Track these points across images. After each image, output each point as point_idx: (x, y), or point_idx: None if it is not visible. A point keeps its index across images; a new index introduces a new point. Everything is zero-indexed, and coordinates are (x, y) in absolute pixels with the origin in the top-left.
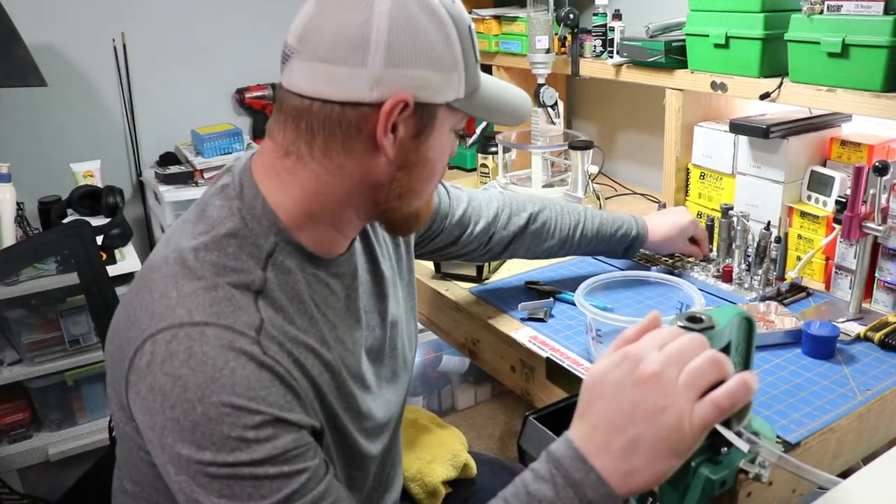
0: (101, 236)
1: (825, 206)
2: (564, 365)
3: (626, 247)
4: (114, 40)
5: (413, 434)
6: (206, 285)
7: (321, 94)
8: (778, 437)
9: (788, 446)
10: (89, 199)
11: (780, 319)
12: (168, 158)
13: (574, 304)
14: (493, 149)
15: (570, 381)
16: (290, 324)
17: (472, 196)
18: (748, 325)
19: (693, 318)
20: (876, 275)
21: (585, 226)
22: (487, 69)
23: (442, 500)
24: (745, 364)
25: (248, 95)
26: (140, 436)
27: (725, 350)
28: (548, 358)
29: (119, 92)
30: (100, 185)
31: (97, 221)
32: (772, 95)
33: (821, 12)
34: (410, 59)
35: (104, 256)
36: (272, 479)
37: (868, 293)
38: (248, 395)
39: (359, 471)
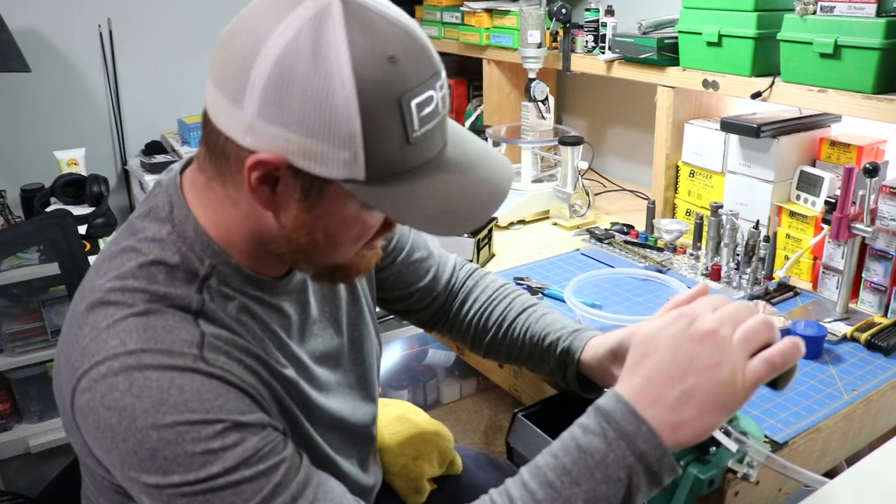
0: (85, 225)
1: (814, 206)
2: None
3: (559, 358)
4: (99, 26)
5: (399, 429)
6: (136, 311)
7: (213, 116)
8: (766, 436)
9: (776, 446)
10: (73, 187)
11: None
12: (154, 147)
13: (562, 301)
14: None
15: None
16: (237, 337)
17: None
18: None
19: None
20: (863, 275)
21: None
22: (477, 62)
23: (427, 496)
24: None
25: None
26: (103, 467)
27: None
28: None
29: (104, 79)
30: (84, 173)
31: (81, 210)
32: (763, 95)
33: (814, 13)
34: (287, 119)
35: (88, 246)
36: (251, 480)
37: (855, 293)
38: (203, 407)
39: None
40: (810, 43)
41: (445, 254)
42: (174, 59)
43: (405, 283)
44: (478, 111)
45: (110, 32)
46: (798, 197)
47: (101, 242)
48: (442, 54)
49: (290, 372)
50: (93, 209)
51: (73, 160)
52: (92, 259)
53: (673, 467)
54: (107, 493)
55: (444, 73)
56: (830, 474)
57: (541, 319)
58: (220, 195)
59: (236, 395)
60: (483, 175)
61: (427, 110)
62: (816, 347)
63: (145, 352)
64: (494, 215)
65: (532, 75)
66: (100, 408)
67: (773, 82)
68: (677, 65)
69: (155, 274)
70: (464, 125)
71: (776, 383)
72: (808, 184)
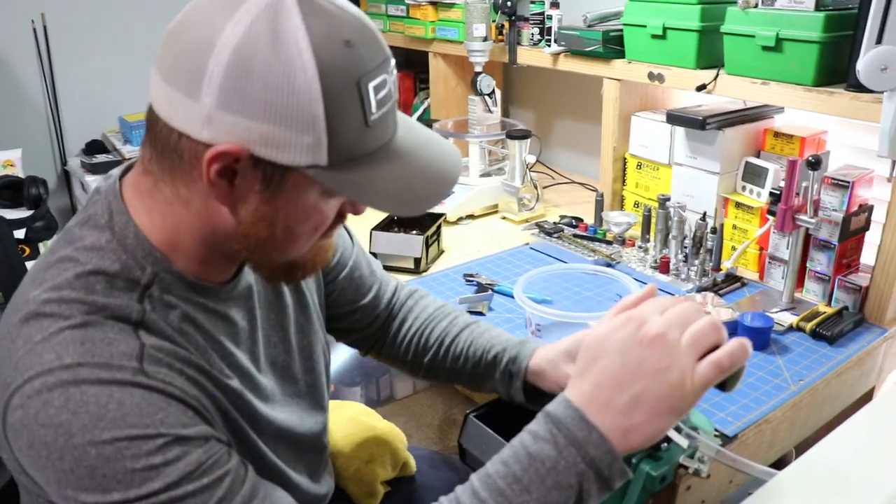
0: (24, 230)
1: (759, 197)
2: None
3: (506, 365)
4: (33, 21)
5: (351, 431)
6: (73, 324)
7: (163, 115)
8: (716, 430)
9: (726, 439)
10: (10, 190)
11: (717, 311)
12: (95, 146)
13: (513, 297)
14: None
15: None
16: (179, 348)
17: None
18: None
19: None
20: (807, 265)
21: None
22: (424, 56)
23: (381, 499)
24: None
25: None
26: (38, 486)
27: None
28: None
29: (40, 76)
30: (21, 175)
31: (19, 214)
32: (708, 87)
33: (756, 6)
34: (248, 107)
35: (27, 251)
36: (194, 495)
37: (800, 283)
38: (143, 422)
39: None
40: (753, 36)
41: (388, 276)
42: (114, 55)
43: (347, 299)
44: (425, 104)
45: (45, 28)
46: (744, 188)
47: (41, 246)
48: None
49: (234, 383)
50: (31, 212)
51: (8, 161)
52: (31, 265)
53: (623, 472)
54: None
55: (392, 60)
56: (779, 463)
57: (485, 333)
58: (168, 197)
59: (178, 408)
60: (435, 157)
61: (382, 93)
62: (764, 338)
63: (82, 366)
64: (443, 211)
65: (478, 69)
66: (33, 425)
67: (717, 75)
68: (623, 57)
69: (93, 284)
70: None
71: (725, 385)
72: (754, 175)
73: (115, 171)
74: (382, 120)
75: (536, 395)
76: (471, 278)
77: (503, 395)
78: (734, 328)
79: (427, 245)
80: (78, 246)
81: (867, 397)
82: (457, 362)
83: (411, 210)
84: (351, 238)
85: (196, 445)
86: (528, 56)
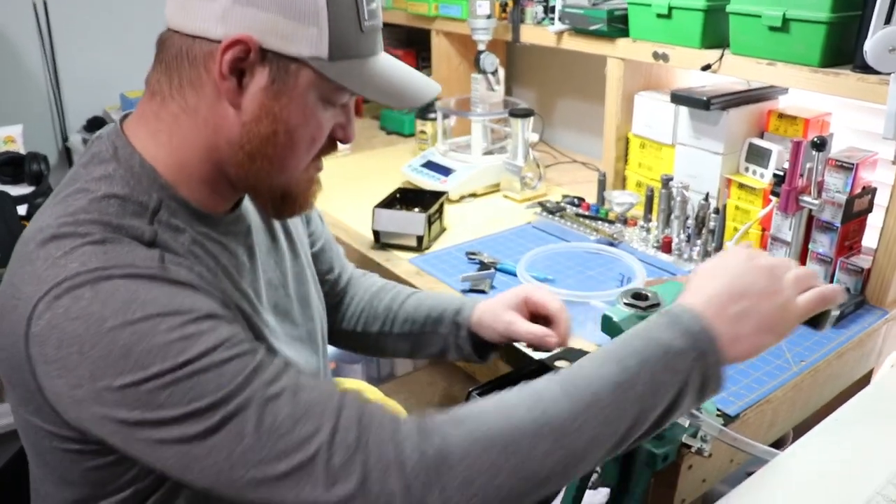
0: (26, 206)
1: (762, 178)
2: None
3: (453, 318)
4: None
5: None
6: (93, 240)
7: (177, 24)
8: (718, 409)
9: (728, 419)
10: (11, 166)
11: None
12: (96, 123)
13: (514, 275)
14: (433, 115)
15: (508, 353)
16: (190, 272)
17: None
18: None
19: (638, 296)
20: (809, 247)
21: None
22: (425, 33)
23: None
24: None
25: None
26: (56, 413)
27: None
28: None
29: (41, 52)
30: (22, 151)
31: (20, 190)
32: (713, 67)
33: None
34: None
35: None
36: (231, 360)
37: (801, 264)
38: (173, 305)
39: None
40: (759, 16)
41: (346, 260)
42: (116, 31)
43: (319, 270)
44: (420, 101)
45: (45, 4)
46: (747, 169)
47: None
48: (389, 25)
49: (245, 306)
50: (33, 189)
51: (9, 137)
52: None
53: (721, 379)
54: (59, 467)
55: None
56: (778, 443)
57: (431, 296)
58: (174, 112)
59: (202, 298)
60: (414, 74)
61: (373, 6)
62: None
63: (107, 268)
64: (445, 189)
65: (482, 47)
66: (63, 322)
67: (722, 55)
68: (627, 36)
69: (107, 207)
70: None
71: (818, 323)
72: (757, 156)
73: (114, 119)
74: (373, 32)
75: (481, 349)
76: (473, 256)
77: (451, 351)
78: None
79: (430, 223)
80: (86, 179)
81: (866, 378)
82: (405, 325)
83: (403, 103)
84: (321, 220)
85: (226, 322)
86: (532, 34)
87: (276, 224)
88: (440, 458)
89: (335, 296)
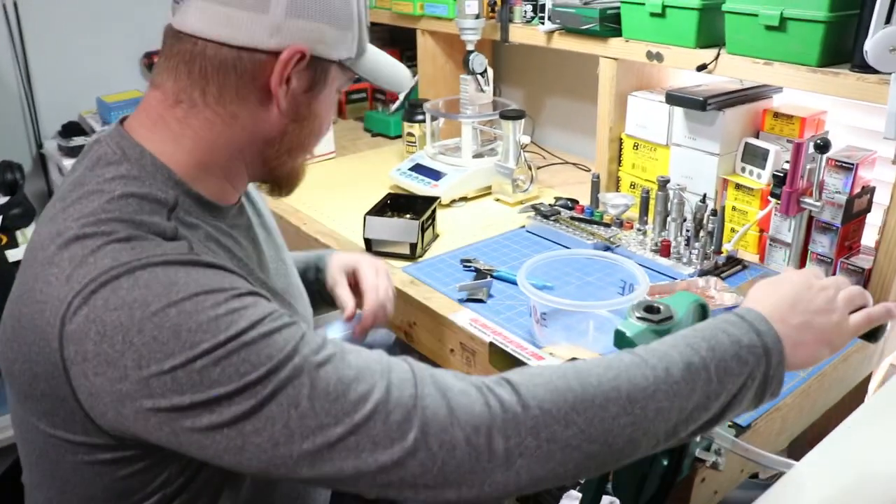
0: (1, 217)
1: (759, 179)
2: (508, 349)
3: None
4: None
5: None
6: (118, 238)
7: (218, 36)
8: (730, 421)
9: (740, 429)
10: None
11: (721, 295)
12: (71, 128)
13: (511, 283)
14: (420, 117)
15: (513, 364)
16: (217, 257)
17: None
18: (702, 311)
19: (650, 308)
20: (809, 248)
21: None
22: (409, 33)
23: None
24: None
25: (157, 60)
26: (91, 419)
27: None
28: (491, 342)
29: (12, 55)
30: None
31: None
32: (709, 67)
33: None
34: (312, 11)
35: (4, 239)
36: (279, 330)
37: (801, 265)
38: (213, 283)
39: None
40: (756, 15)
41: None
42: (90, 33)
43: None
44: (412, 83)
45: (15, 4)
46: (743, 169)
47: (20, 235)
48: (373, 24)
49: (265, 294)
50: (7, 199)
51: None
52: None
53: (781, 382)
54: (79, 484)
55: None
56: (787, 449)
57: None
58: (208, 118)
59: (237, 278)
60: (391, 59)
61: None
62: None
63: (141, 260)
64: (437, 194)
65: (470, 47)
66: (104, 313)
67: (718, 54)
68: (620, 36)
69: (126, 206)
70: (397, 98)
71: (873, 337)
72: (754, 156)
73: (108, 127)
74: (368, 25)
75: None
76: (468, 264)
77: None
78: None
79: (423, 230)
80: (97, 181)
81: (866, 381)
82: None
83: (399, 87)
84: None
85: (265, 299)
86: (521, 34)
87: (265, 216)
88: (511, 402)
89: None
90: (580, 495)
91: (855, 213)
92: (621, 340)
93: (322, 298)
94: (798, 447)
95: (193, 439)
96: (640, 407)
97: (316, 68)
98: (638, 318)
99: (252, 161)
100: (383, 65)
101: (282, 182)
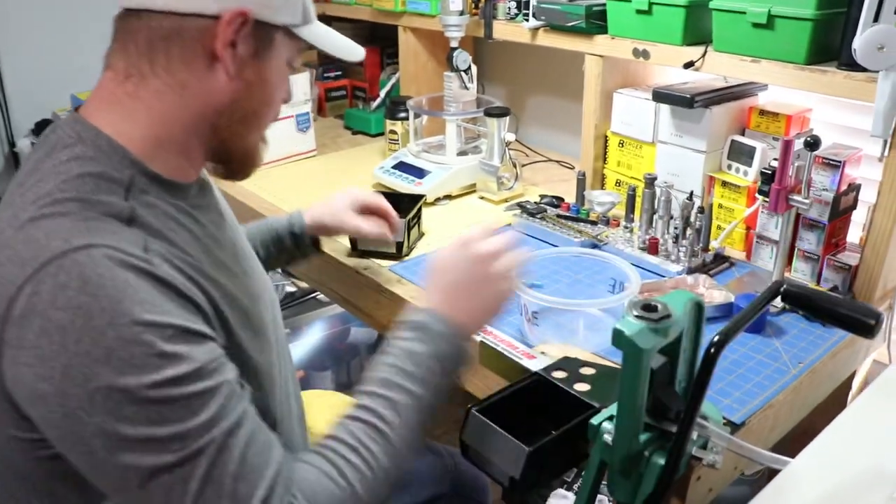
0: None
1: (745, 176)
2: (499, 348)
3: (289, 232)
4: None
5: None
6: (74, 218)
7: (163, 5)
8: (724, 418)
9: (734, 427)
10: None
11: (710, 293)
12: (45, 126)
13: None
14: (403, 114)
15: (503, 364)
16: (171, 245)
17: None
18: (699, 309)
19: (648, 307)
20: (796, 245)
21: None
22: (390, 29)
23: None
24: (695, 349)
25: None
26: (13, 405)
27: (679, 338)
28: (482, 341)
29: None
30: None
31: None
32: (696, 64)
33: None
34: None
35: None
36: (199, 395)
37: (788, 262)
38: (157, 310)
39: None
40: (743, 12)
41: None
42: (63, 29)
43: None
44: (393, 80)
45: None
46: (729, 167)
47: None
48: (354, 21)
49: (223, 279)
50: None
51: None
52: None
53: (467, 355)
54: (34, 473)
55: None
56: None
57: (255, 227)
58: (158, 89)
59: (181, 303)
60: (340, 35)
61: None
62: (760, 321)
63: (94, 247)
64: (422, 192)
65: (454, 44)
66: (49, 310)
67: (705, 52)
68: (605, 33)
69: (82, 185)
70: (378, 95)
71: (870, 332)
72: (740, 153)
73: (62, 116)
74: None
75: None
76: None
77: (288, 245)
78: (729, 310)
79: (409, 228)
80: (53, 164)
81: (852, 377)
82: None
83: (350, 56)
84: None
85: (200, 343)
86: (505, 31)
87: (220, 200)
88: None
89: None
90: (567, 493)
91: (841, 210)
92: (620, 339)
93: (303, 254)
94: (781, 444)
95: (79, 454)
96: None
97: (261, 33)
98: (636, 316)
99: (206, 134)
100: (334, 36)
101: (236, 161)
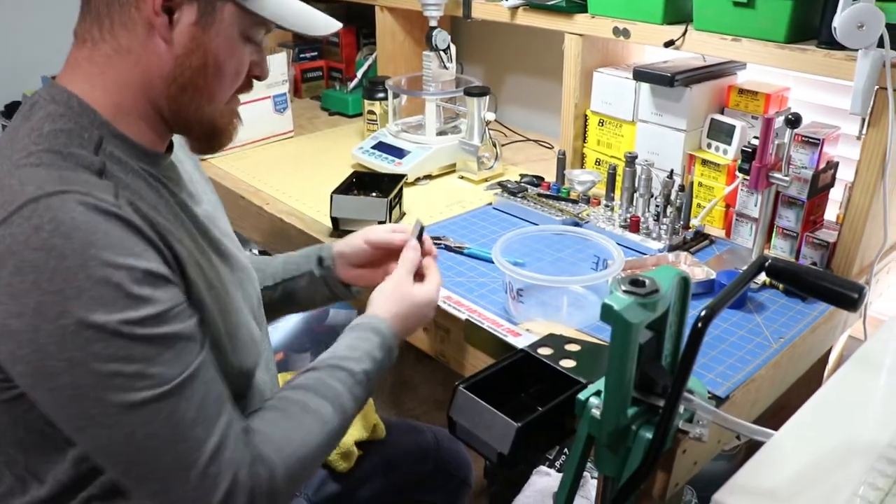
0: None
1: (725, 154)
2: (484, 326)
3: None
4: None
5: None
6: (48, 168)
7: None
8: (709, 392)
9: (719, 401)
10: None
11: (692, 270)
12: (15, 108)
13: (483, 260)
14: (381, 94)
15: (489, 341)
16: (140, 200)
17: None
18: (685, 284)
19: (636, 282)
20: (776, 222)
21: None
22: (366, 9)
23: (356, 461)
24: (681, 324)
25: None
26: None
27: (665, 313)
28: (467, 319)
29: None
30: None
31: None
32: (676, 43)
33: None
34: None
35: None
36: (163, 338)
37: (768, 240)
38: (126, 252)
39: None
40: None
41: None
42: (34, 10)
43: None
44: (370, 60)
45: None
46: (709, 145)
47: None
48: (329, 1)
49: (188, 243)
50: None
51: None
52: None
53: (395, 350)
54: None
55: None
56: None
57: (290, 255)
58: (108, 53)
59: (150, 249)
60: (314, 9)
61: None
62: (741, 297)
63: (67, 192)
64: (403, 172)
65: (433, 23)
66: (24, 250)
67: (685, 30)
68: (586, 12)
69: (55, 139)
70: (354, 76)
71: (853, 305)
72: (720, 132)
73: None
74: None
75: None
76: (438, 241)
77: (318, 285)
78: (710, 287)
79: (390, 208)
80: (29, 125)
81: (828, 353)
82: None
83: (314, 31)
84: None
85: (166, 287)
86: (484, 10)
87: (200, 180)
88: (272, 486)
89: None
90: (549, 470)
91: (820, 187)
92: (609, 314)
93: (329, 286)
94: (761, 419)
95: (46, 390)
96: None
97: (203, 1)
98: (624, 291)
99: (159, 103)
100: (297, 8)
101: (197, 133)
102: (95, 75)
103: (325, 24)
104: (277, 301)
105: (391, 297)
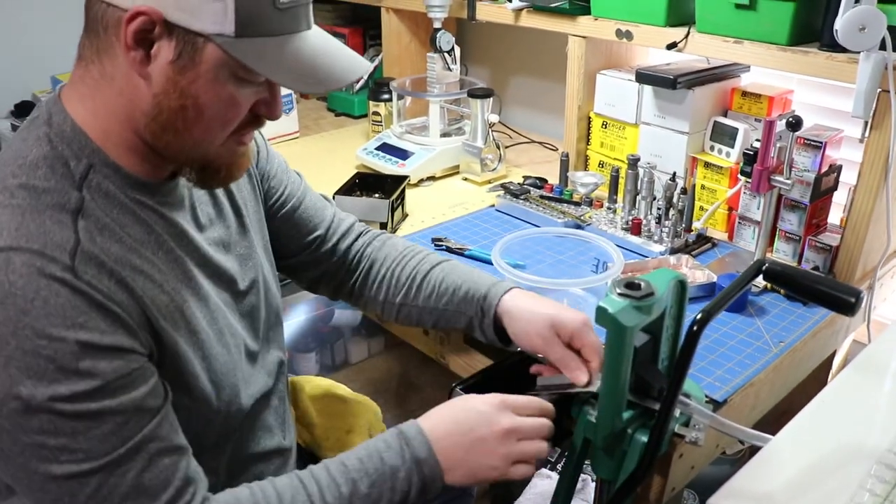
0: None
1: (728, 157)
2: None
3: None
4: None
5: (328, 404)
6: (14, 209)
7: None
8: (706, 396)
9: (717, 405)
10: None
11: (692, 273)
12: (24, 108)
13: (483, 262)
14: (386, 96)
15: (488, 344)
16: (116, 243)
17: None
18: (682, 288)
19: (631, 285)
20: (778, 225)
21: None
22: (372, 11)
23: None
24: (677, 327)
25: None
26: None
27: (662, 316)
28: None
29: None
30: None
31: None
32: (679, 45)
33: None
34: None
35: None
36: (95, 414)
37: (770, 243)
38: (65, 323)
39: (205, 425)
40: None
41: (344, 215)
42: (44, 10)
43: (300, 232)
44: (375, 62)
45: None
46: (712, 148)
47: None
48: (336, 2)
49: (172, 277)
50: None
51: None
52: None
53: (439, 492)
54: None
55: None
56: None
57: (456, 269)
58: (96, 77)
59: (98, 315)
60: (342, 53)
61: None
62: (741, 300)
63: (16, 251)
64: (406, 173)
65: (437, 25)
66: None
67: (688, 33)
68: (589, 14)
69: (35, 170)
70: (360, 77)
71: (850, 309)
72: (723, 134)
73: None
74: (293, 8)
75: (506, 337)
76: (440, 243)
77: (476, 332)
78: (711, 290)
79: (392, 209)
80: (21, 141)
81: (832, 357)
82: (429, 299)
83: (306, 87)
84: (299, 176)
85: (111, 358)
86: (488, 12)
87: (222, 196)
88: None
89: (328, 255)
90: (551, 473)
91: (823, 191)
92: (604, 317)
93: (482, 332)
94: (762, 423)
95: None
96: None
97: (181, 38)
98: (620, 294)
99: (144, 137)
100: (296, 56)
101: (190, 169)
102: (87, 97)
103: (337, 76)
104: (424, 320)
105: (455, 406)
